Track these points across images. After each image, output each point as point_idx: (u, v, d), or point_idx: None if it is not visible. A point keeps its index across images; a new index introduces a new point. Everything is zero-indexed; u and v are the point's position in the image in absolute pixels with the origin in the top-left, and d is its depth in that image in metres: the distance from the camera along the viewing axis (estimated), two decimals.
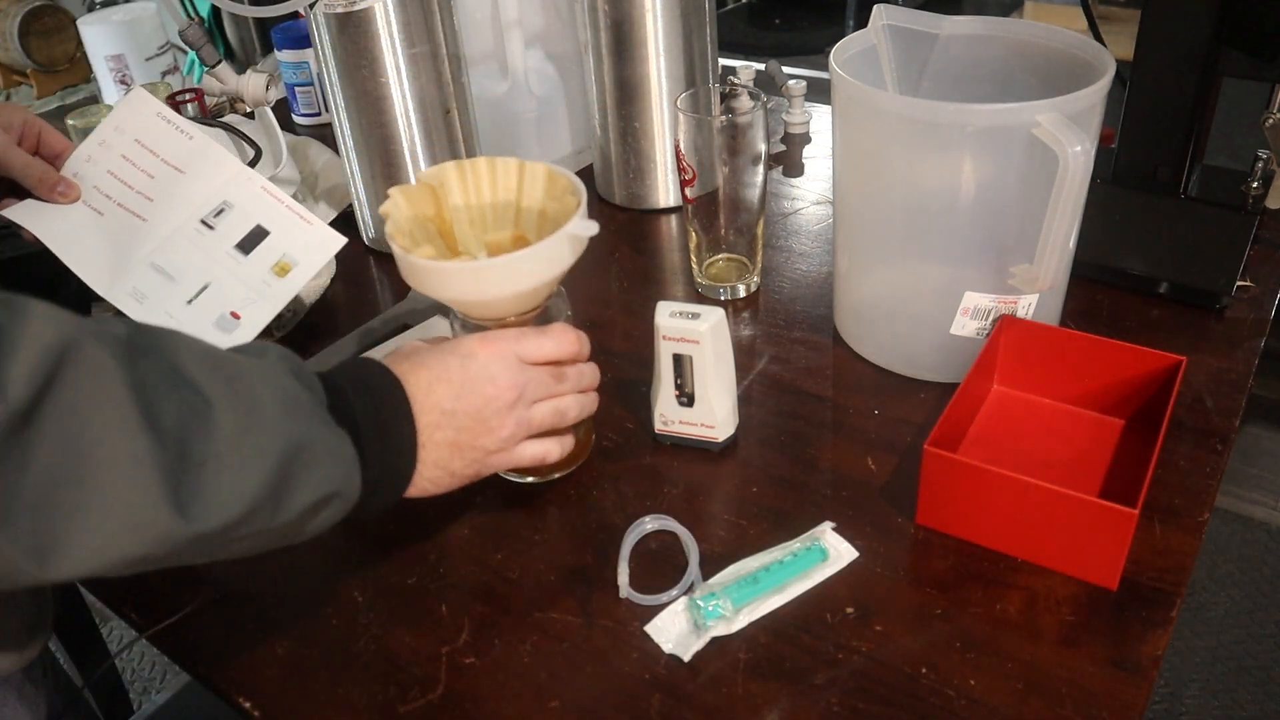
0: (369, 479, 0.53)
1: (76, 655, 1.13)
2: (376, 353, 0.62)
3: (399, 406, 0.56)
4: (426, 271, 0.61)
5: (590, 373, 0.66)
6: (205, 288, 0.78)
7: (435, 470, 0.58)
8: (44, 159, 0.78)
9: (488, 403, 0.58)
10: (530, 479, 0.72)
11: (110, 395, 0.42)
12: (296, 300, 0.91)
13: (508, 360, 0.59)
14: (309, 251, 0.80)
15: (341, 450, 0.51)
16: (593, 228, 0.61)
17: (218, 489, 0.44)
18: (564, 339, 0.62)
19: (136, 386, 0.43)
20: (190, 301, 0.78)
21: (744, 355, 0.84)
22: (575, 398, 0.64)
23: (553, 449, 0.63)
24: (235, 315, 0.78)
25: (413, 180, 0.98)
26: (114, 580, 0.67)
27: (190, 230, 0.79)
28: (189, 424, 0.44)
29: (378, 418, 0.54)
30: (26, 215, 0.77)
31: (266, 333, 0.88)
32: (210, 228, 0.79)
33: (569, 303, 0.70)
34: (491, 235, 0.68)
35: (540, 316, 0.67)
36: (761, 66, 1.29)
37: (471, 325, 0.67)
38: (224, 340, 0.75)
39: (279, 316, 0.89)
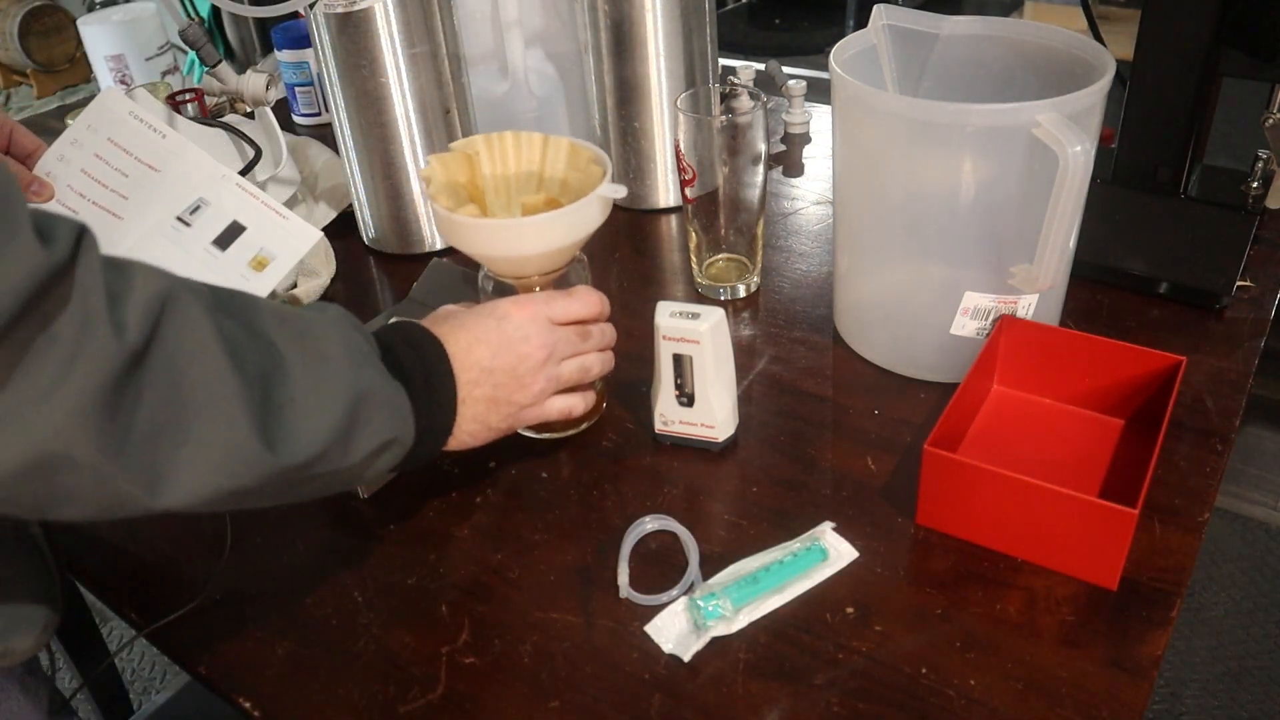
0: (418, 429, 0.57)
1: (76, 655, 1.12)
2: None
3: (441, 364, 0.60)
4: (468, 229, 0.66)
5: (610, 332, 0.70)
6: None
7: (473, 424, 0.62)
8: (15, 159, 0.78)
9: (522, 360, 0.63)
10: (547, 435, 0.75)
11: (205, 341, 0.46)
12: (295, 300, 0.91)
13: (540, 321, 0.64)
14: (285, 246, 0.81)
15: (398, 399, 0.55)
16: (620, 190, 0.67)
17: (298, 428, 0.49)
18: (588, 300, 0.68)
19: (224, 335, 0.47)
20: None
21: (744, 355, 0.84)
22: (597, 355, 0.68)
23: (577, 404, 0.68)
24: None
25: (414, 178, 0.99)
26: (114, 580, 0.67)
27: (167, 228, 0.79)
28: (268, 371, 0.49)
29: (425, 373, 0.59)
30: None
31: None
32: (187, 224, 0.79)
33: (588, 268, 0.73)
34: (526, 198, 0.72)
35: (561, 279, 0.71)
36: (761, 66, 1.29)
37: (502, 287, 0.71)
38: None
39: None
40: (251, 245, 0.80)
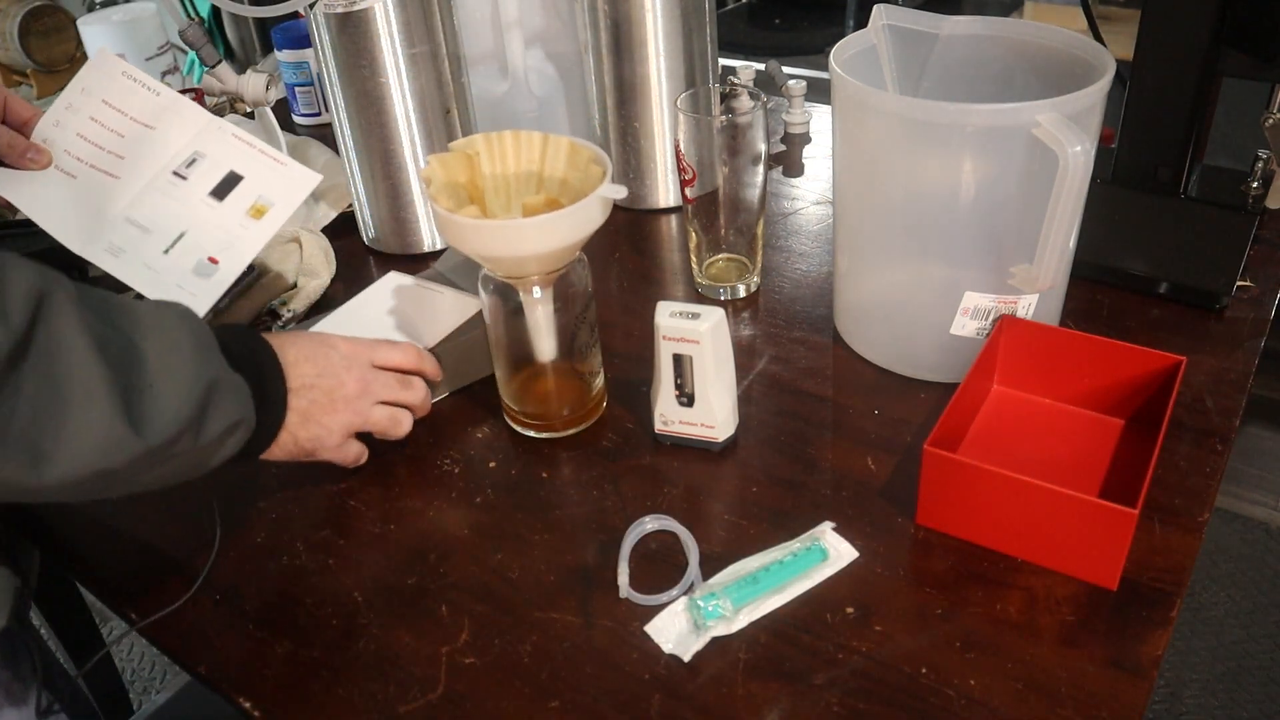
0: (257, 417, 0.60)
1: (76, 655, 1.13)
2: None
3: (273, 364, 0.63)
4: (468, 229, 0.66)
5: (425, 392, 0.74)
6: (181, 236, 0.78)
7: (286, 434, 0.64)
8: (11, 126, 0.78)
9: (340, 386, 0.67)
10: (547, 434, 0.76)
11: (76, 332, 0.49)
12: (296, 300, 0.91)
13: (362, 360, 0.69)
14: (284, 192, 0.80)
15: (241, 385, 0.59)
16: (621, 191, 0.67)
17: (159, 410, 0.53)
18: (409, 352, 0.72)
19: (90, 327, 0.50)
20: (167, 251, 0.77)
21: (744, 355, 0.84)
22: (407, 413, 0.72)
23: (362, 456, 0.71)
24: (213, 260, 0.77)
25: (414, 178, 0.99)
26: (113, 578, 0.67)
27: (163, 182, 0.79)
28: (128, 359, 0.52)
29: (256, 369, 0.62)
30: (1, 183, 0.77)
31: (264, 331, 0.88)
32: (183, 178, 0.79)
33: (589, 268, 0.73)
34: (526, 199, 0.72)
35: (562, 279, 0.71)
36: (761, 66, 1.29)
37: (502, 287, 0.71)
38: (205, 285, 0.77)
39: (278, 316, 0.89)
40: (249, 193, 0.79)
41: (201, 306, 0.75)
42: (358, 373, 0.68)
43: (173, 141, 0.80)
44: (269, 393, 0.62)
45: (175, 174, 0.79)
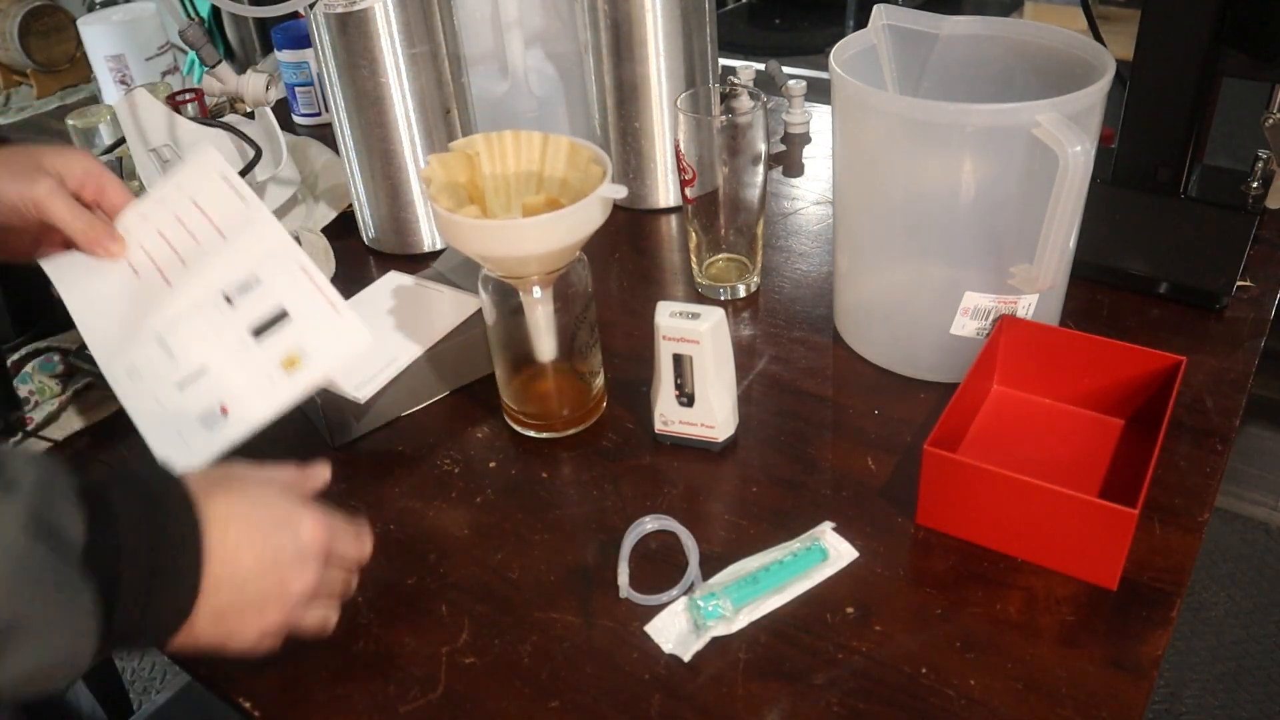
0: (116, 632, 0.46)
1: None
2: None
3: (188, 557, 0.49)
4: (468, 229, 0.66)
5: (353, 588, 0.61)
6: (203, 373, 0.68)
7: (184, 634, 0.50)
8: (105, 213, 0.71)
9: (281, 587, 0.52)
10: (547, 434, 0.76)
11: None
12: None
13: (324, 552, 0.54)
14: (326, 346, 0.69)
15: (75, 620, 0.44)
16: (621, 191, 0.66)
17: None
18: (366, 545, 0.59)
19: None
20: (182, 388, 0.68)
21: (744, 355, 0.84)
22: (337, 610, 0.59)
23: (273, 648, 0.55)
24: (224, 410, 0.67)
25: (414, 178, 0.99)
26: None
27: (209, 306, 0.70)
28: None
29: (152, 570, 0.47)
30: (58, 268, 0.71)
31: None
32: (230, 303, 0.70)
33: (589, 268, 0.73)
34: (526, 199, 0.72)
35: (561, 279, 0.71)
36: (761, 66, 1.29)
37: (502, 287, 0.71)
38: (204, 439, 0.66)
39: None
40: (289, 339, 0.68)
41: (193, 462, 0.64)
42: (313, 570, 0.53)
43: (236, 258, 0.71)
44: (156, 604, 0.47)
45: (226, 297, 0.69)
